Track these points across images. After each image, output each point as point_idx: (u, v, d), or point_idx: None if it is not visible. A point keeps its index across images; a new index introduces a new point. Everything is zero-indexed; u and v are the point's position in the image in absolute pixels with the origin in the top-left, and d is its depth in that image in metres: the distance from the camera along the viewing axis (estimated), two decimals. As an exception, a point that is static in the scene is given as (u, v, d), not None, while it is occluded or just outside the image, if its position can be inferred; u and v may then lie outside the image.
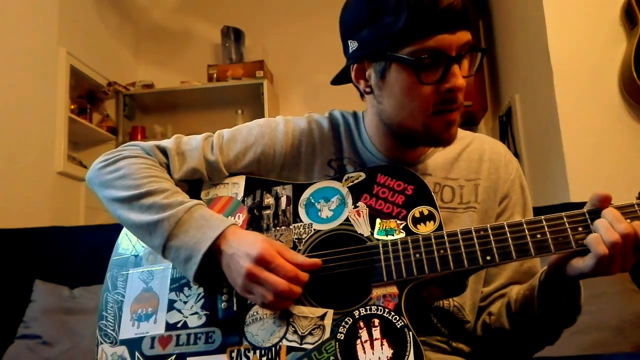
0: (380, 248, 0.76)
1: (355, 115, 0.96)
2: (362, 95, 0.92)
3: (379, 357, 0.70)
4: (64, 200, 2.48)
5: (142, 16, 3.50)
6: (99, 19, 3.00)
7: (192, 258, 0.77)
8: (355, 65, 0.84)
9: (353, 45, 0.82)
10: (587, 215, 0.71)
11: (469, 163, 0.92)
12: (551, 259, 0.76)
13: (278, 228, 0.83)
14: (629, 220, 0.68)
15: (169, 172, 0.90)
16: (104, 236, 1.09)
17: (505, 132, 2.61)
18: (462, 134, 0.95)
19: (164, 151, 0.92)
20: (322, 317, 0.75)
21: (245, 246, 0.75)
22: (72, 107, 2.70)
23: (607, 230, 0.67)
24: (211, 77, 3.16)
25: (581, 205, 0.74)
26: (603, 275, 0.70)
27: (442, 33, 0.74)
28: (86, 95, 2.95)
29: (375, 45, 0.78)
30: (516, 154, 2.48)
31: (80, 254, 1.65)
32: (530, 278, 0.90)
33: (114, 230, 0.95)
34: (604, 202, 0.70)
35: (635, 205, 0.70)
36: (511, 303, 0.85)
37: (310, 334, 0.74)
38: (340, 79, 0.92)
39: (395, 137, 0.87)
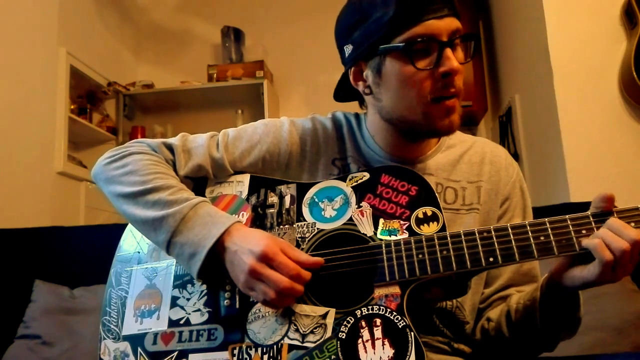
0: (383, 248, 0.77)
1: (357, 116, 0.98)
2: (361, 104, 0.95)
3: (380, 357, 0.70)
4: (64, 200, 2.48)
5: (142, 16, 3.49)
6: (99, 19, 2.99)
7: (196, 254, 0.77)
8: (352, 69, 0.86)
9: (348, 49, 0.85)
10: (591, 218, 0.71)
11: (470, 166, 0.93)
12: (552, 269, 0.76)
13: (282, 227, 0.84)
14: (632, 224, 0.68)
15: (175, 169, 0.91)
16: (104, 236, 1.10)
17: (505, 132, 2.61)
18: (463, 137, 0.97)
19: (170, 148, 0.92)
20: (324, 316, 0.75)
21: (248, 243, 0.76)
22: (72, 107, 2.70)
23: (613, 238, 0.67)
24: (211, 77, 3.16)
25: (581, 205, 0.74)
26: (608, 282, 0.69)
27: (430, 19, 0.76)
28: (86, 95, 2.95)
29: (368, 41, 0.80)
30: (516, 154, 2.48)
31: (80, 254, 1.65)
32: (529, 280, 0.91)
33: (114, 230, 0.95)
34: (607, 202, 0.70)
35: None
36: (511, 312, 0.85)
37: (312, 332, 0.74)
38: (343, 93, 0.94)
39: (398, 133, 0.88)
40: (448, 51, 0.78)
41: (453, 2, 0.79)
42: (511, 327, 0.85)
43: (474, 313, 0.91)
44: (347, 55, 0.85)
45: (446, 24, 0.77)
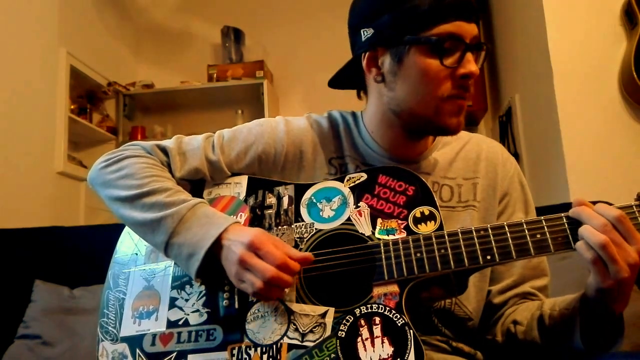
0: (382, 247, 0.77)
1: (353, 114, 0.97)
2: (359, 94, 0.94)
3: (380, 355, 0.70)
4: (64, 200, 2.49)
5: (142, 16, 3.50)
6: (99, 19, 3.00)
7: (194, 255, 0.77)
8: (367, 53, 0.85)
9: (367, 33, 0.83)
10: None
11: (466, 162, 0.93)
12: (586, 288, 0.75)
13: (280, 227, 0.84)
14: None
15: (170, 172, 0.91)
16: (104, 236, 1.09)
17: (505, 132, 2.61)
18: (460, 134, 0.95)
19: (164, 150, 0.92)
20: (323, 315, 0.75)
21: (240, 236, 0.76)
22: (72, 107, 2.71)
23: (591, 233, 0.67)
24: (211, 77, 3.16)
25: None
26: (615, 283, 0.67)
27: (462, 20, 0.78)
28: (86, 95, 2.95)
29: (397, 29, 0.80)
30: (516, 154, 2.48)
31: (80, 254, 1.65)
32: (539, 273, 0.91)
33: (114, 230, 0.95)
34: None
35: (634, 207, 0.70)
36: (544, 317, 0.83)
37: (311, 331, 0.74)
38: (340, 81, 0.93)
39: (399, 128, 0.88)
40: (469, 55, 0.79)
41: (477, 11, 0.81)
42: (544, 332, 0.83)
43: (479, 310, 0.90)
44: (364, 38, 0.84)
45: (471, 29, 0.80)
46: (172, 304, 0.82)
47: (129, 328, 0.82)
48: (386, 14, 0.80)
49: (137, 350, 0.80)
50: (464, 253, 0.73)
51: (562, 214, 0.72)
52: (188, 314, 0.80)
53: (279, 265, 0.73)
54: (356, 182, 0.85)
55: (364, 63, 0.86)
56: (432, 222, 0.78)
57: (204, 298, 0.81)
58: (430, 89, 0.80)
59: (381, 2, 0.81)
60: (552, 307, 0.83)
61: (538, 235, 0.71)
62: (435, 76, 0.79)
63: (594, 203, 0.72)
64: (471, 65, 0.79)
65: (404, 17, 0.79)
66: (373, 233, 0.79)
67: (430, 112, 0.82)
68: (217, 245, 0.77)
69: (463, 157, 0.93)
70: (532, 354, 0.87)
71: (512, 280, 0.91)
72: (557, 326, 0.81)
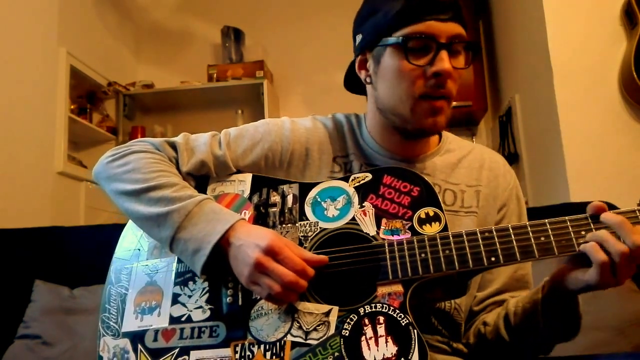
0: (386, 247, 0.77)
1: (357, 116, 0.99)
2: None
3: (384, 354, 0.70)
4: (64, 200, 2.48)
5: (142, 16, 3.49)
6: (99, 19, 2.99)
7: (200, 250, 0.77)
8: (359, 57, 0.90)
9: (358, 38, 0.89)
10: (589, 220, 0.72)
11: (469, 170, 0.94)
12: (554, 272, 0.77)
13: (284, 225, 0.84)
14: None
15: (178, 166, 0.91)
16: (104, 236, 1.09)
17: (505, 132, 2.61)
18: (462, 144, 0.98)
19: (173, 145, 0.93)
20: (327, 314, 0.75)
21: (254, 237, 0.76)
22: (72, 107, 2.70)
23: (609, 239, 0.67)
24: (211, 77, 3.16)
25: (581, 205, 0.74)
26: (611, 285, 0.69)
27: (432, 19, 0.80)
28: (86, 95, 2.95)
29: (375, 32, 0.84)
30: (516, 154, 2.49)
31: (80, 254, 1.64)
32: (522, 285, 0.92)
33: (114, 230, 0.94)
34: (598, 212, 0.71)
35: (637, 212, 0.70)
36: (510, 316, 0.84)
37: (315, 329, 0.74)
38: (353, 83, 0.97)
39: (393, 129, 0.89)
40: (443, 53, 0.80)
41: (459, 10, 0.82)
42: (510, 330, 0.84)
43: (466, 314, 0.91)
44: (356, 43, 0.90)
45: (447, 28, 0.80)
46: (175, 300, 0.82)
47: (131, 323, 0.82)
48: (370, 19, 0.86)
49: (139, 346, 0.80)
50: (469, 254, 0.73)
51: (566, 218, 0.72)
52: (191, 310, 0.80)
53: (298, 271, 0.73)
54: (361, 182, 0.85)
55: (356, 66, 0.91)
56: (437, 223, 0.78)
57: (208, 294, 0.81)
58: (404, 88, 0.82)
59: (368, 9, 0.87)
60: (516, 304, 0.85)
61: (542, 238, 0.72)
62: (408, 75, 0.82)
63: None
64: (443, 63, 0.79)
65: (380, 21, 0.83)
66: (378, 233, 0.79)
67: (406, 111, 0.84)
68: (223, 241, 0.77)
69: (466, 165, 0.94)
70: (503, 353, 0.88)
71: (494, 289, 0.92)
72: (522, 323, 0.82)
